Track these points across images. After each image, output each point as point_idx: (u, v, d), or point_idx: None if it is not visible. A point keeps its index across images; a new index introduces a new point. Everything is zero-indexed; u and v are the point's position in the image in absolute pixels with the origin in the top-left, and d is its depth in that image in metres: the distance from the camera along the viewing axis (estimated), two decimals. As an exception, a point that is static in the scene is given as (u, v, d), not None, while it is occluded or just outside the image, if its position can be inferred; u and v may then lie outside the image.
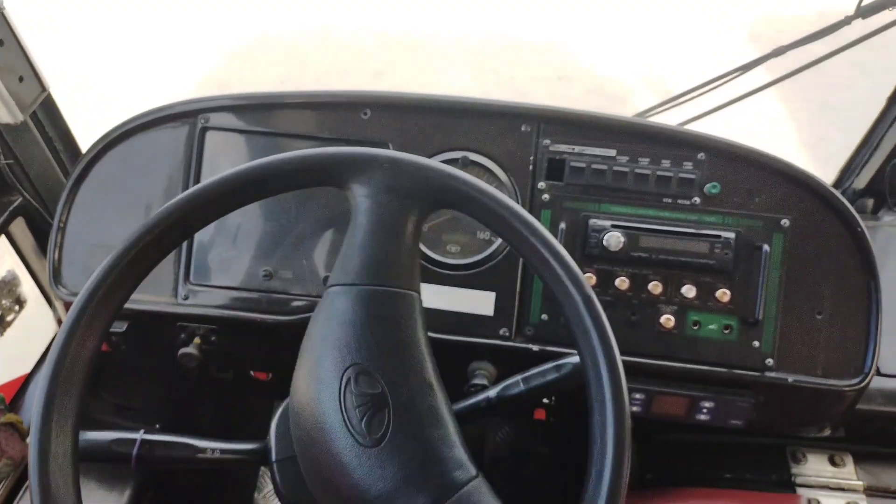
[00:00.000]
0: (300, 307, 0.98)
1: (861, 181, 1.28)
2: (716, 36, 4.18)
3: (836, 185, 1.34)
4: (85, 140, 1.13)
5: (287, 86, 3.69)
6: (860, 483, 1.01)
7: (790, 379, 0.92)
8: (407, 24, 4.21)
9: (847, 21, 1.13)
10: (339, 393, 0.61)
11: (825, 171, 1.34)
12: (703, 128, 1.02)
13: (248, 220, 1.01)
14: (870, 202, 1.31)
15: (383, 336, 0.62)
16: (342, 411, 0.60)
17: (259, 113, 1.00)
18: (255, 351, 1.06)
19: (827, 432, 0.99)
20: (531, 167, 0.96)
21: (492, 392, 0.78)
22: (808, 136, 3.40)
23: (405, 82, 3.82)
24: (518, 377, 0.78)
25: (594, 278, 0.95)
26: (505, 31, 4.24)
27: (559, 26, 4.29)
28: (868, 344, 0.92)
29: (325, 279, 0.98)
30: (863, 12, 1.10)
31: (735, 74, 1.21)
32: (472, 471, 0.60)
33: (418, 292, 0.65)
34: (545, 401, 1.05)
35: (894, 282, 1.17)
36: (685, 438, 1.12)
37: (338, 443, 0.60)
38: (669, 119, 1.36)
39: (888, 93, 1.25)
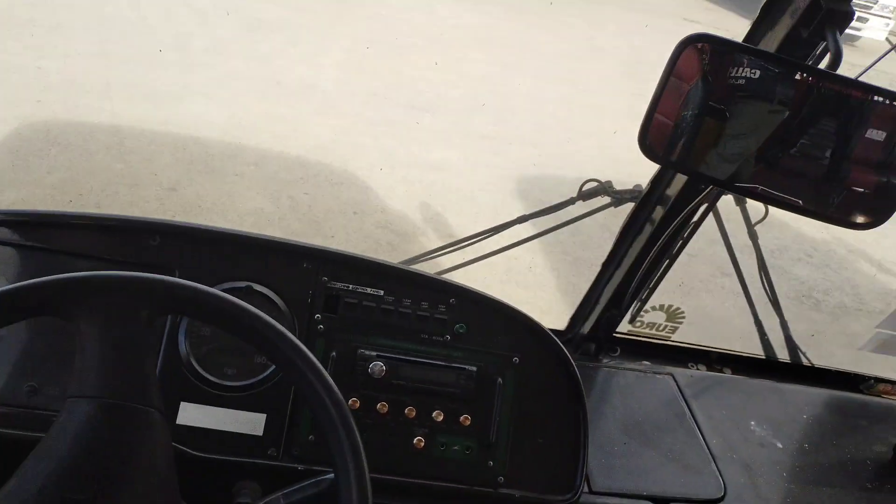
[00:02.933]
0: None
1: (586, 328, 1.56)
2: (489, 191, 4.73)
3: (568, 330, 1.61)
4: None
5: (67, 192, 3.52)
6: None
7: (517, 494, 1.09)
8: (205, 142, 4.26)
9: (571, 201, 1.45)
10: None
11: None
12: (476, 272, 1.22)
13: (12, 332, 0.99)
14: (592, 346, 1.59)
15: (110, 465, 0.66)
16: None
17: (44, 231, 1.02)
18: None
19: None
20: (309, 300, 1.08)
21: None
22: (564, 283, 3.93)
23: (199, 199, 3.82)
24: (279, 493, 0.85)
25: (358, 402, 1.06)
26: (304, 161, 4.45)
27: (357, 163, 4.60)
28: (577, 465, 1.12)
29: None
30: (582, 196, 1.42)
31: (489, 234, 1.47)
32: None
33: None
34: None
35: (609, 412, 1.43)
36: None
37: None
38: (438, 263, 1.58)
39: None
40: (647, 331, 1.65)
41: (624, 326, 1.63)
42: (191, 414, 1.00)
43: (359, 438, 0.74)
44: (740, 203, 1.49)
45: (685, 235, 1.42)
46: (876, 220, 1.08)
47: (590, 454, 1.27)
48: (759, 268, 1.63)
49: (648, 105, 1.00)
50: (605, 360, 1.56)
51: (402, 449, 1.07)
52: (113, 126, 4.12)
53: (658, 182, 1.33)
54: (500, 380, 1.10)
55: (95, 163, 3.76)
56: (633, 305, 1.57)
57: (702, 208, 1.37)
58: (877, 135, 1.15)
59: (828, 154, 1.20)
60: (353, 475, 0.74)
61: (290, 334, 0.77)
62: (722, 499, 1.27)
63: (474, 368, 1.10)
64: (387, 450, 1.06)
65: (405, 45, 6.51)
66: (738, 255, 1.72)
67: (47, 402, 0.97)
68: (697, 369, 1.61)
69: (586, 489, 1.23)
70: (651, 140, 1.08)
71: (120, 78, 4.65)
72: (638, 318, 1.62)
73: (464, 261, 1.53)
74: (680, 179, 1.30)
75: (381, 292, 1.11)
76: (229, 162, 4.18)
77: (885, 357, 1.79)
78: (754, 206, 1.54)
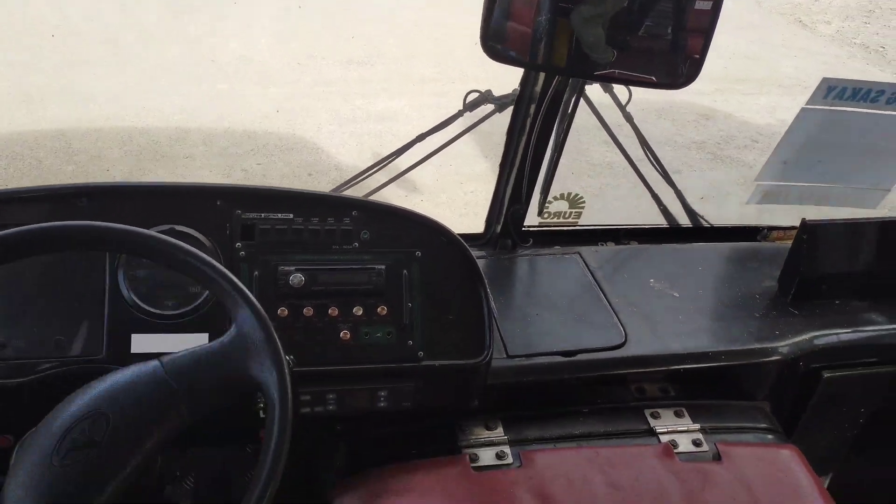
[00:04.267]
0: (40, 368, 1.14)
1: (498, 228, 1.74)
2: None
3: (485, 232, 1.78)
4: None
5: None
6: (505, 437, 1.38)
7: (437, 364, 1.28)
8: (150, 131, 4.34)
9: (460, 114, 1.61)
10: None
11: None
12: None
13: None
14: (508, 241, 1.76)
15: None
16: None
17: None
18: None
19: (476, 403, 1.36)
20: (228, 232, 1.24)
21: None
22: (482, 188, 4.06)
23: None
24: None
25: (286, 311, 1.23)
26: (252, 133, 4.54)
27: (305, 126, 4.70)
28: (484, 332, 1.30)
29: (58, 342, 1.16)
30: (467, 108, 1.58)
31: (393, 157, 1.63)
32: None
33: None
34: None
35: (522, 291, 1.62)
36: (384, 431, 1.42)
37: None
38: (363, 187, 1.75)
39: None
40: (555, 220, 1.83)
41: (536, 221, 1.82)
42: (142, 342, 1.17)
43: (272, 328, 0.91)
44: (608, 90, 1.65)
45: (565, 127, 1.59)
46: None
47: (506, 328, 1.47)
48: (641, 145, 1.80)
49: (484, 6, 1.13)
50: (519, 252, 1.73)
51: (332, 343, 1.25)
52: (57, 130, 4.19)
53: (525, 83, 1.49)
54: (405, 272, 1.28)
55: (45, 169, 3.86)
56: (539, 199, 1.75)
57: (572, 100, 1.53)
58: (704, 5, 1.32)
59: (669, 30, 1.36)
60: (269, 354, 0.91)
61: (201, 254, 0.94)
62: (623, 344, 1.47)
63: (383, 266, 1.28)
64: (319, 346, 1.24)
65: (334, 2, 6.54)
66: (652, 145, 1.88)
67: (17, 353, 1.14)
68: (605, 246, 1.79)
69: (504, 355, 1.43)
70: (496, 40, 1.23)
71: (56, 82, 4.70)
72: (545, 210, 1.80)
73: (378, 184, 1.70)
74: (543, 77, 1.45)
75: (291, 215, 1.27)
76: (177, 146, 4.28)
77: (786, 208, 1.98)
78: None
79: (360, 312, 1.26)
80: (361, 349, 1.26)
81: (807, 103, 1.60)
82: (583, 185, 3.94)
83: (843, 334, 1.55)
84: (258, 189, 1.27)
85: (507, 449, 1.36)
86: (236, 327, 0.94)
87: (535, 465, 1.32)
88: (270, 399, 0.89)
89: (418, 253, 1.30)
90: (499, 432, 1.39)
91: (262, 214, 1.26)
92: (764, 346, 1.50)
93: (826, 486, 1.79)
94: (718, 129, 5.43)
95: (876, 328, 1.58)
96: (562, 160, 1.66)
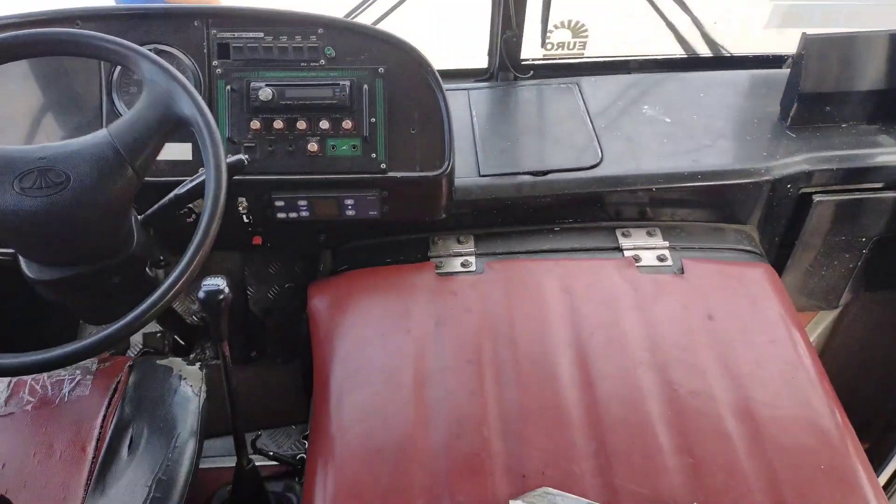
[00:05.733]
0: None
1: (498, 61, 1.74)
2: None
3: (489, 67, 1.79)
4: None
5: None
6: (473, 250, 1.46)
7: (399, 175, 1.35)
8: None
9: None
10: None
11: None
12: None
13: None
14: (511, 74, 1.77)
15: None
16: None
17: None
18: None
19: (443, 216, 1.43)
20: (205, 51, 1.35)
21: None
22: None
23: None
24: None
25: (259, 124, 1.34)
26: None
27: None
28: (444, 146, 1.36)
29: None
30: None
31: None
32: None
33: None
34: None
35: (509, 117, 1.64)
36: (364, 242, 1.53)
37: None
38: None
39: None
40: (559, 52, 1.80)
41: (541, 54, 1.80)
42: None
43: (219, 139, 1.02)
44: None
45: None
46: None
47: (485, 150, 1.53)
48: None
49: None
50: (519, 84, 1.74)
51: (301, 154, 1.35)
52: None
53: None
54: (365, 86, 1.34)
55: None
56: (540, 29, 1.73)
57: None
58: None
59: None
60: (210, 146, 1.02)
61: (100, 35, 1.05)
62: (598, 164, 1.48)
63: (347, 82, 1.35)
64: (289, 156, 1.35)
65: None
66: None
67: None
68: (609, 76, 1.75)
69: (476, 174, 1.48)
70: None
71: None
72: (547, 42, 1.77)
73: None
74: None
75: (262, 34, 1.35)
76: None
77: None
78: None
79: (327, 126, 1.35)
80: (329, 161, 1.36)
81: None
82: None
83: (842, 157, 1.47)
84: (230, 9, 1.36)
85: (472, 259, 1.44)
86: (147, 83, 1.04)
87: (494, 272, 1.40)
88: (198, 128, 1.01)
89: (381, 69, 1.35)
90: (468, 246, 1.47)
91: (235, 34, 1.35)
92: (746, 167, 1.46)
93: (830, 322, 1.76)
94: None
95: (881, 150, 1.48)
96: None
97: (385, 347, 1.28)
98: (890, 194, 1.49)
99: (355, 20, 1.37)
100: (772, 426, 1.15)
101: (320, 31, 1.36)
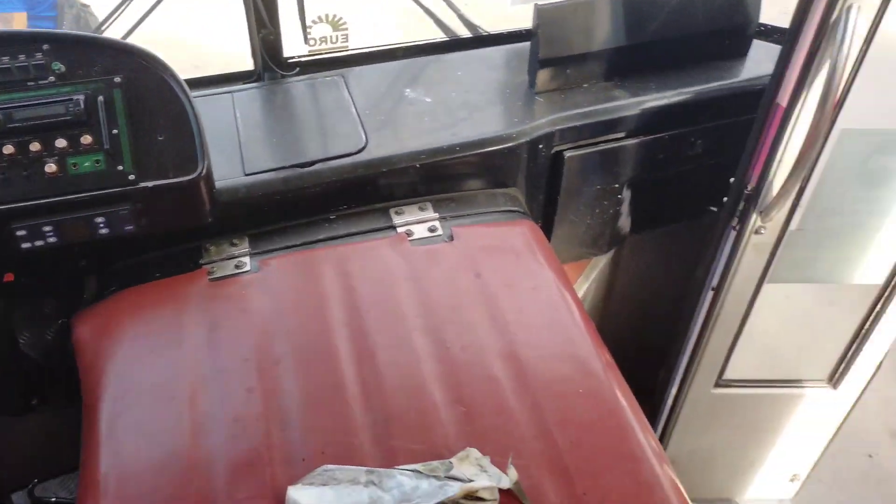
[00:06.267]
0: None
1: (260, 61, 1.73)
2: None
3: (255, 68, 1.78)
4: None
5: None
6: (248, 250, 1.45)
7: (151, 184, 1.32)
8: None
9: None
10: None
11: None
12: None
13: None
14: (278, 74, 1.77)
15: None
16: None
17: None
18: None
19: (209, 220, 1.41)
20: None
21: None
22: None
23: None
24: None
25: None
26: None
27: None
28: (195, 149, 1.33)
29: None
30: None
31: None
32: None
33: None
34: None
35: (272, 115, 1.64)
36: (131, 261, 1.48)
37: None
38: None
39: None
40: (324, 47, 1.83)
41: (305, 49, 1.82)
42: None
43: None
44: None
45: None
46: None
47: (248, 149, 1.52)
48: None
49: None
50: (285, 82, 1.74)
51: (39, 178, 1.28)
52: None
53: None
54: (101, 98, 1.30)
55: None
56: (300, 25, 1.75)
57: None
58: None
59: None
60: None
61: None
62: (363, 149, 1.51)
63: (82, 96, 1.29)
64: (25, 181, 1.27)
65: None
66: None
67: None
68: (373, 66, 1.80)
69: (241, 174, 1.47)
70: None
71: None
72: (309, 37, 1.80)
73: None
74: None
75: None
76: None
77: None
78: None
79: (65, 144, 1.28)
80: (72, 180, 1.29)
81: None
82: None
83: (585, 114, 1.60)
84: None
85: (246, 259, 1.43)
86: None
87: (270, 269, 1.40)
88: None
89: (118, 79, 1.31)
90: (242, 247, 1.46)
91: None
92: (500, 134, 1.55)
93: (605, 266, 1.91)
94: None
95: (619, 104, 1.63)
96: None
97: (155, 364, 1.25)
98: (631, 141, 1.63)
99: (85, 32, 1.31)
100: (536, 363, 1.22)
101: (45, 47, 1.29)
